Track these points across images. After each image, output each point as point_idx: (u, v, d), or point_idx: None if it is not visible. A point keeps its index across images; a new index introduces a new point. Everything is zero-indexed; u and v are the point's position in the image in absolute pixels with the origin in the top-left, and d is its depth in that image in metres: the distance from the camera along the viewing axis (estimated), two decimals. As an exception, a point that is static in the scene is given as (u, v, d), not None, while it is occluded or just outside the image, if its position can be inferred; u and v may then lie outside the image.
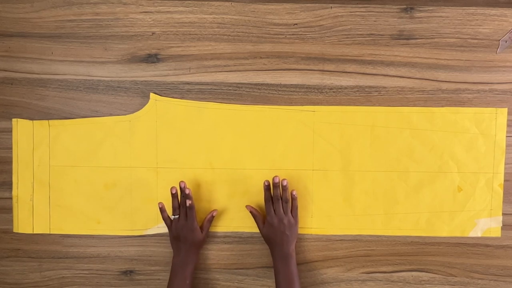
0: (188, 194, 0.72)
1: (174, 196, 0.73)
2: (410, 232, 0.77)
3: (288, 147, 0.76)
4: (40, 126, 0.77)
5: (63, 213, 0.77)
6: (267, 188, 0.73)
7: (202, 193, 0.77)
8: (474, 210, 0.77)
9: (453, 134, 0.76)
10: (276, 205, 0.73)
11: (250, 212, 0.75)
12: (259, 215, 0.75)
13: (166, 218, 0.73)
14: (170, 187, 0.73)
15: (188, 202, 0.72)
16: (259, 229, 0.75)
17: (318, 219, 0.77)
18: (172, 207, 0.73)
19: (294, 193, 0.73)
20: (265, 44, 0.75)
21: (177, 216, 0.73)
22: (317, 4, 0.75)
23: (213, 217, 0.76)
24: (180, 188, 0.72)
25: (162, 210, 0.73)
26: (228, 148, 0.77)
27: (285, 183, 0.72)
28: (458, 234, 0.77)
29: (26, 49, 0.76)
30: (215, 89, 0.76)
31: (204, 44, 0.76)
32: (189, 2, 0.75)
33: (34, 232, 0.78)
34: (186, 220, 0.72)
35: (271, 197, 0.73)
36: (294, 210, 0.74)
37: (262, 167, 0.76)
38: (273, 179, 0.72)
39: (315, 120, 0.76)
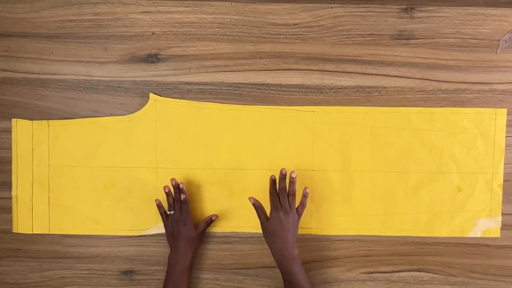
0: (182, 188, 0.72)
1: (168, 194, 0.73)
2: (409, 233, 0.77)
3: (287, 147, 0.76)
4: (40, 126, 0.76)
5: (63, 213, 0.77)
6: (273, 182, 0.71)
7: (201, 193, 0.77)
8: (473, 210, 0.77)
9: (453, 134, 0.76)
10: (282, 198, 0.70)
11: (253, 204, 0.71)
12: (263, 209, 0.72)
13: (163, 214, 0.74)
14: (163, 186, 0.73)
15: (182, 196, 0.72)
16: (262, 224, 0.72)
17: (317, 219, 0.77)
18: (168, 203, 0.74)
19: (307, 190, 0.71)
20: (265, 44, 0.75)
21: (173, 211, 0.73)
22: (317, 4, 0.75)
23: (212, 220, 0.75)
24: (173, 185, 0.73)
25: (159, 206, 0.74)
26: (227, 148, 0.77)
27: (293, 175, 0.70)
28: (457, 235, 0.77)
29: (26, 49, 0.76)
30: (215, 89, 0.76)
31: (204, 44, 0.76)
32: (189, 2, 0.75)
33: (34, 232, 0.78)
34: (181, 214, 0.73)
35: (276, 191, 0.71)
36: (301, 207, 0.72)
37: (262, 167, 0.76)
38: (280, 171, 0.71)
39: (315, 120, 0.76)
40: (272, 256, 0.71)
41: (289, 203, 0.71)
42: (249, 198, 0.72)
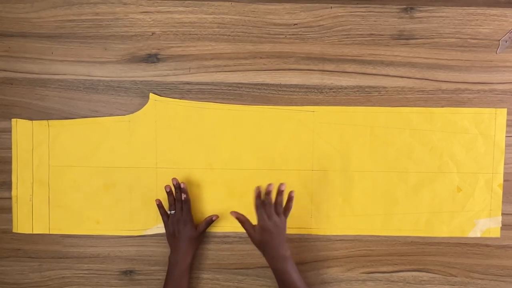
0: (183, 188, 0.73)
1: (169, 193, 0.74)
2: (409, 233, 0.77)
3: (287, 147, 0.76)
4: (40, 126, 0.76)
5: (63, 213, 0.77)
6: (258, 195, 0.71)
7: (201, 193, 0.77)
8: (473, 210, 0.77)
9: (453, 134, 0.76)
10: (268, 209, 0.71)
11: (237, 218, 0.72)
12: (247, 221, 0.73)
13: (163, 214, 0.74)
14: (164, 185, 0.73)
15: (183, 196, 0.73)
16: (250, 236, 0.72)
17: (317, 219, 0.77)
18: (169, 203, 0.74)
19: (292, 194, 0.72)
20: (265, 44, 0.75)
21: (174, 211, 0.73)
22: (317, 4, 0.75)
23: (212, 220, 0.75)
24: (174, 185, 0.73)
25: (159, 206, 0.74)
26: (227, 148, 0.77)
27: (283, 187, 0.71)
28: (457, 235, 0.77)
29: (26, 49, 0.76)
30: (215, 89, 0.76)
31: (204, 44, 0.76)
32: (189, 2, 0.75)
33: (34, 232, 0.78)
34: (182, 214, 0.73)
35: (262, 203, 0.71)
36: (287, 211, 0.72)
37: (262, 167, 0.76)
38: (267, 187, 0.71)
39: (315, 120, 0.76)
40: (266, 261, 0.71)
41: (276, 212, 0.71)
42: (231, 213, 0.73)
